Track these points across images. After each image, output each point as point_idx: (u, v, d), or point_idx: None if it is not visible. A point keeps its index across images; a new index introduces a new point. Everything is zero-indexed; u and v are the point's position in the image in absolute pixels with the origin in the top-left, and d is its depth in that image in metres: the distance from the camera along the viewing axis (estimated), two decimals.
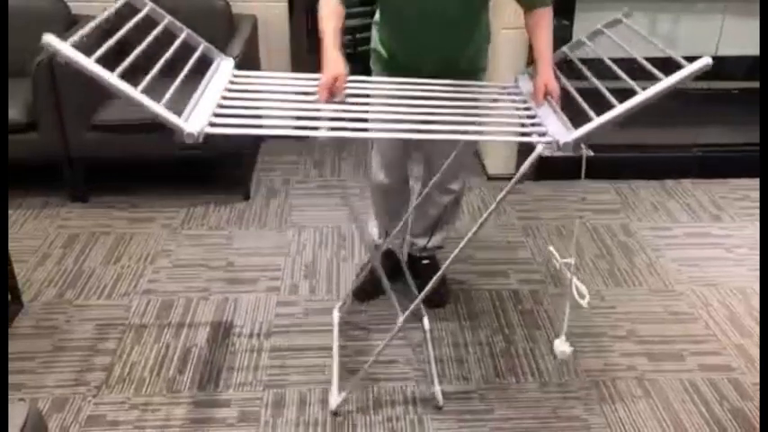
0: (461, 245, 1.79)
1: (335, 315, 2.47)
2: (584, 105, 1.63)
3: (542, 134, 1.65)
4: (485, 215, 1.77)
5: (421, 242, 2.57)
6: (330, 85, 1.72)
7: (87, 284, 2.66)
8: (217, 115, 1.62)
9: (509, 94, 1.94)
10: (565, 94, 1.81)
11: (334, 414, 2.08)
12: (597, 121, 1.56)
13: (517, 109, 1.84)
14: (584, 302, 1.78)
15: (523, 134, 1.72)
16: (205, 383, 2.21)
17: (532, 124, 1.72)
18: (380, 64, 2.23)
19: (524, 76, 2.00)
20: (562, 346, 1.88)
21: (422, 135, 1.74)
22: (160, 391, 2.18)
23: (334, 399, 2.10)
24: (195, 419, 2.07)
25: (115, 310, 2.52)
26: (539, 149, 1.61)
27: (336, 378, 2.18)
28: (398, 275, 2.64)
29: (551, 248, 2.03)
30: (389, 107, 1.75)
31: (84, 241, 2.93)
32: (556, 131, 1.63)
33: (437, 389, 2.12)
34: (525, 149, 3.33)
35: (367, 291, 2.59)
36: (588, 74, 1.74)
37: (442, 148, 2.29)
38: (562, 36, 2.67)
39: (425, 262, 2.60)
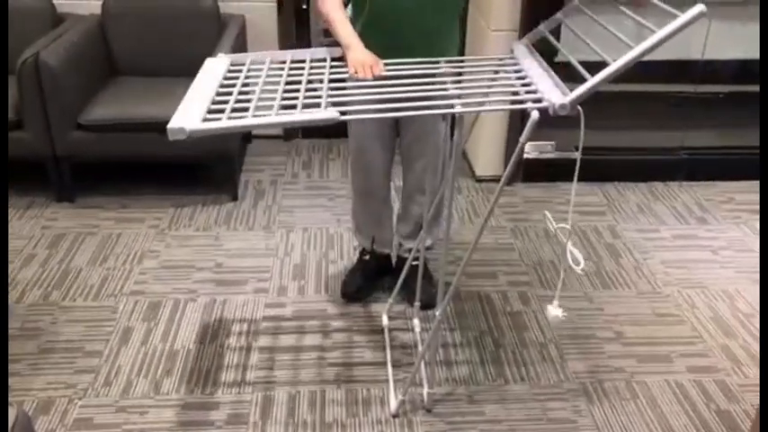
0: (468, 254, 1.78)
1: (385, 319, 2.47)
2: (580, 68, 1.61)
3: (537, 100, 1.64)
4: (485, 216, 1.76)
5: (409, 244, 2.57)
6: (366, 68, 1.82)
7: (73, 285, 2.64)
8: (210, 111, 1.60)
9: (504, 64, 1.92)
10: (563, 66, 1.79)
11: (394, 417, 2.09)
12: (592, 80, 1.54)
13: (511, 78, 1.81)
14: (578, 269, 1.78)
15: (518, 102, 1.71)
16: (193, 386, 2.19)
17: (527, 91, 1.71)
18: None
19: (520, 45, 1.97)
20: (555, 311, 1.85)
21: (413, 111, 1.72)
22: (147, 393, 2.16)
23: (393, 402, 2.12)
24: (183, 422, 2.06)
25: (102, 312, 2.50)
26: (534, 115, 1.59)
27: (392, 382, 2.20)
28: (386, 275, 2.65)
29: (546, 213, 2.02)
30: (379, 89, 1.75)
31: (70, 242, 2.90)
32: (551, 95, 1.62)
33: (426, 391, 2.12)
34: (511, 150, 3.34)
35: (353, 292, 2.59)
36: (562, 50, 1.71)
37: (416, 135, 2.31)
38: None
39: (414, 263, 2.60)
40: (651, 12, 1.60)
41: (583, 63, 1.66)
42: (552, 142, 3.42)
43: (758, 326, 2.51)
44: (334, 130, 3.79)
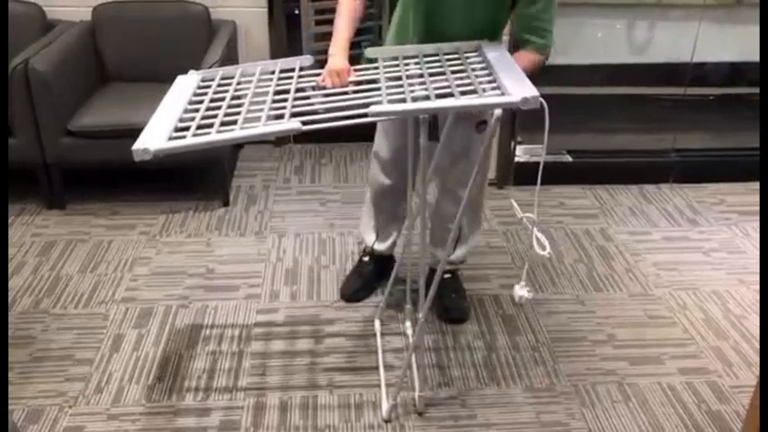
0: (446, 254, 1.78)
1: (377, 324, 2.47)
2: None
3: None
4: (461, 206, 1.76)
5: (441, 254, 2.53)
6: (333, 75, 1.83)
7: (64, 293, 2.63)
8: (177, 129, 1.60)
9: (471, 62, 1.91)
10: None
11: (387, 421, 2.08)
12: None
13: (477, 76, 1.81)
14: (544, 253, 1.78)
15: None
16: (185, 392, 2.18)
17: (492, 88, 1.71)
18: None
19: (489, 44, 1.98)
20: (521, 291, 1.86)
21: (370, 118, 1.72)
22: (139, 400, 2.15)
23: (385, 407, 2.11)
24: (175, 428, 2.05)
25: (93, 319, 2.49)
26: (497, 113, 1.64)
27: (384, 386, 2.19)
28: (385, 278, 2.64)
29: (513, 202, 2.03)
30: (341, 96, 1.77)
31: (61, 249, 2.89)
32: (514, 91, 1.64)
33: (418, 395, 2.12)
34: (504, 154, 3.35)
35: (352, 294, 2.59)
36: None
37: (446, 143, 2.29)
38: None
39: (447, 276, 2.58)
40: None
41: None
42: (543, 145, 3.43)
43: (749, 327, 2.52)
44: (327, 136, 3.76)
